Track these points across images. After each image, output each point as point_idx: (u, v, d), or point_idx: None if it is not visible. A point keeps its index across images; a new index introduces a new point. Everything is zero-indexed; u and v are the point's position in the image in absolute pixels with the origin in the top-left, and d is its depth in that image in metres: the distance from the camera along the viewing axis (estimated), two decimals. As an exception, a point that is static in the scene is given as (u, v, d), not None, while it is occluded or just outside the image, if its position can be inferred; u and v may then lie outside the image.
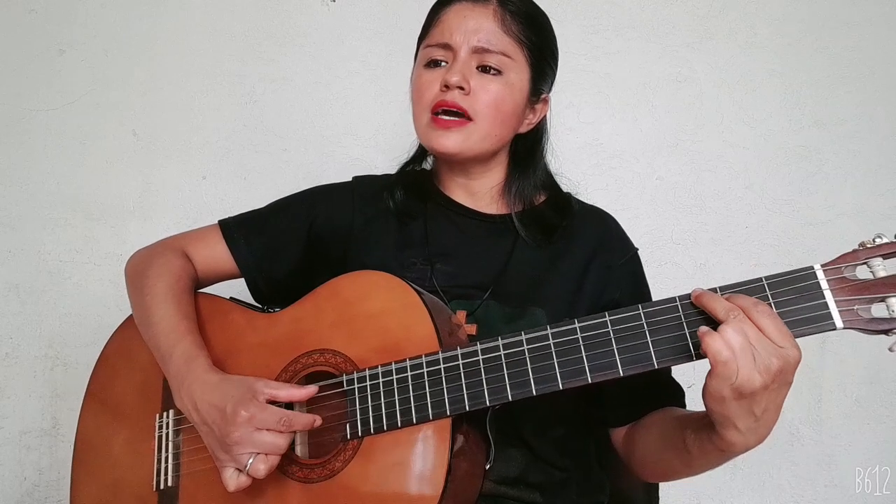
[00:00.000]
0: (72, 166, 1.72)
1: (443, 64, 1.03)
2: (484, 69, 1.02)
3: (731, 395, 0.72)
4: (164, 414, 1.03)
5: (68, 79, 1.74)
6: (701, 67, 1.76)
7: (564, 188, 1.15)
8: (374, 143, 1.76)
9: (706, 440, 0.81)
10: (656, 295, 1.01)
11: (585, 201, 1.16)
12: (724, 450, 0.79)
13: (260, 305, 1.14)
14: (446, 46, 1.02)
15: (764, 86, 1.75)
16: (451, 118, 1.01)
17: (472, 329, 0.94)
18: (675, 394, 1.03)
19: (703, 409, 0.81)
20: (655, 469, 0.99)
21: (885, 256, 0.74)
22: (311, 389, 0.89)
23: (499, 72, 1.02)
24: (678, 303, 0.78)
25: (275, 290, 1.13)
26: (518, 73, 1.03)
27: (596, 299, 1.03)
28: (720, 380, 0.71)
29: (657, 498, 1.19)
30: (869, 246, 0.75)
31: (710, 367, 0.72)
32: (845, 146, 1.72)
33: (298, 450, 0.94)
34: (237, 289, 1.15)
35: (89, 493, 1.06)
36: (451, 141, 1.02)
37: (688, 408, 1.03)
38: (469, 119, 1.01)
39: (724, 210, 1.73)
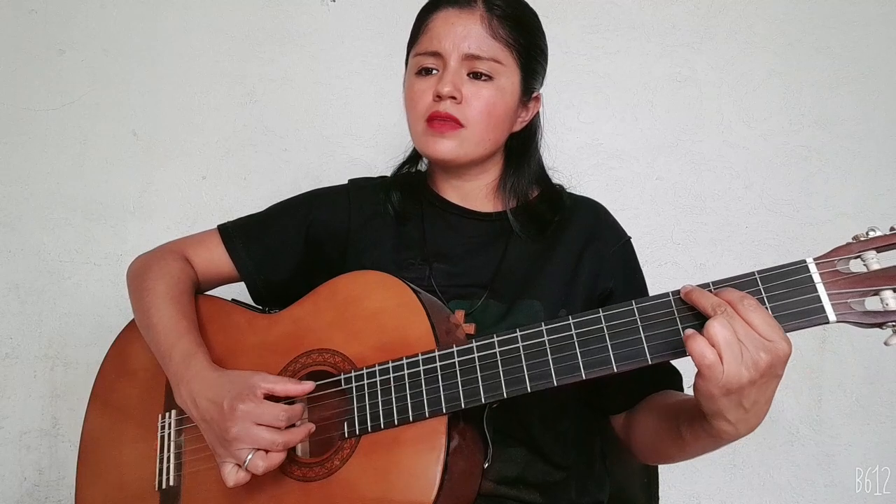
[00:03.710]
0: (72, 166, 1.72)
1: (434, 71, 1.04)
2: (475, 75, 1.02)
3: (720, 392, 0.72)
4: (167, 414, 1.04)
5: (68, 79, 1.74)
6: (701, 67, 1.76)
7: (557, 182, 1.15)
8: (374, 143, 1.76)
9: (699, 428, 0.82)
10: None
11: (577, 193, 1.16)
12: (716, 437, 0.80)
13: (260, 307, 1.14)
14: (436, 54, 1.03)
15: (764, 86, 1.75)
16: (445, 122, 1.02)
17: (470, 328, 0.95)
18: (673, 378, 1.04)
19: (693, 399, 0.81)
20: (653, 454, 1.00)
21: (879, 249, 0.74)
22: (307, 386, 0.89)
23: (490, 77, 1.02)
24: (671, 298, 0.78)
25: (274, 293, 1.13)
26: (509, 76, 1.04)
27: (591, 289, 1.04)
28: (706, 380, 0.72)
29: (657, 498, 1.19)
30: (862, 239, 0.75)
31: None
32: (845, 146, 1.72)
33: (299, 448, 0.95)
34: (237, 291, 1.15)
35: (94, 493, 1.06)
36: (446, 147, 1.03)
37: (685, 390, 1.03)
38: (462, 126, 1.02)
39: (724, 210, 1.73)
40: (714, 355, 0.70)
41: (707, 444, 0.85)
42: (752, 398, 0.73)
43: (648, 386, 1.01)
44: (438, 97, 1.01)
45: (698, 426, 0.82)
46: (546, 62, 1.12)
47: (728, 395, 0.72)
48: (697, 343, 0.70)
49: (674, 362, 1.03)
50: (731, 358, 0.70)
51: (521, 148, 1.13)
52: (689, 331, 0.72)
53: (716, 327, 0.70)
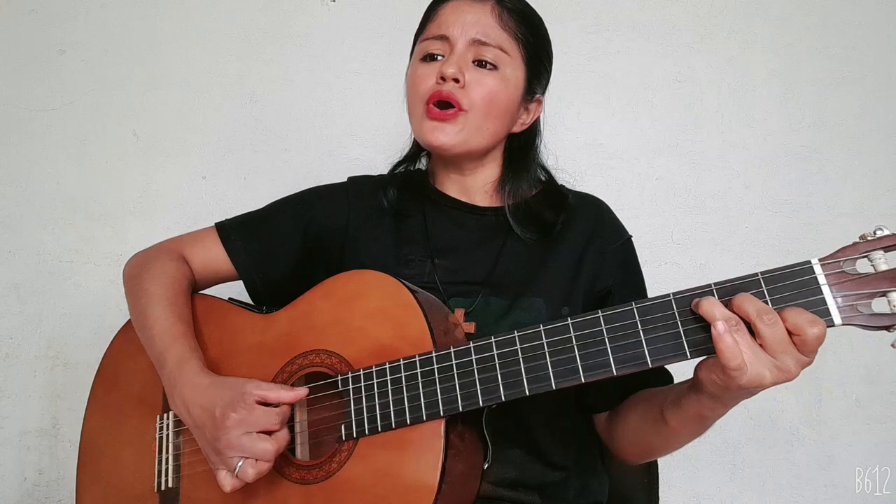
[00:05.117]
0: (72, 166, 1.72)
1: (439, 57, 1.04)
2: (480, 63, 1.02)
3: (735, 388, 0.72)
4: (165, 415, 1.03)
5: (68, 79, 1.74)
6: (701, 67, 1.76)
7: (561, 181, 1.14)
8: (374, 143, 1.76)
9: (685, 408, 0.83)
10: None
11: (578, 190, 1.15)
12: (704, 416, 0.81)
13: (258, 306, 1.14)
14: (443, 38, 1.03)
15: (764, 86, 1.75)
16: (446, 109, 1.01)
17: (470, 327, 0.94)
18: (662, 378, 1.03)
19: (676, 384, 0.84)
20: (635, 448, 0.99)
21: (887, 249, 0.71)
22: (301, 392, 0.89)
23: (495, 66, 1.02)
24: (672, 299, 0.76)
25: (273, 292, 1.13)
26: (514, 69, 1.04)
27: (590, 286, 1.03)
28: (727, 377, 0.71)
29: (657, 498, 1.19)
30: (870, 238, 0.72)
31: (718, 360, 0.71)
32: (845, 146, 1.72)
33: (298, 451, 0.94)
34: (236, 290, 1.15)
35: (94, 495, 1.06)
36: (445, 134, 1.02)
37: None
38: (463, 110, 1.01)
39: (724, 210, 1.73)
40: (741, 359, 0.69)
41: (691, 425, 0.86)
42: (755, 393, 0.74)
43: (636, 385, 1.00)
44: (442, 79, 1.01)
45: (685, 408, 0.83)
46: (550, 67, 1.11)
47: (741, 389, 0.73)
48: (728, 342, 0.69)
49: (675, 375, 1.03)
50: (756, 362, 0.70)
51: (520, 152, 1.12)
52: (721, 326, 0.69)
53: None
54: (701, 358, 0.76)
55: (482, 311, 1.00)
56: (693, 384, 0.81)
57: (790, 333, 0.70)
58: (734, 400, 0.78)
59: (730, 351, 0.69)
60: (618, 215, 1.13)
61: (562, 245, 1.06)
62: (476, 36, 1.01)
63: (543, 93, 1.12)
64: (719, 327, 0.69)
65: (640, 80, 1.76)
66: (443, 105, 1.01)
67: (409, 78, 1.08)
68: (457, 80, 1.00)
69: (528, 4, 1.08)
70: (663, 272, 1.70)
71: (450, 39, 1.02)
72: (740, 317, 0.71)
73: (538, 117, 1.13)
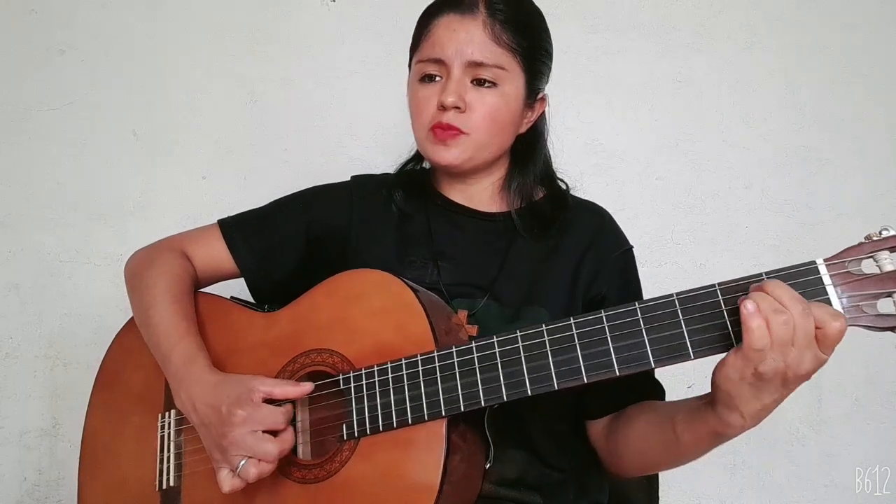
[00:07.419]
0: (72, 166, 1.72)
1: (437, 78, 1.02)
2: (479, 82, 1.01)
3: (750, 378, 0.71)
4: (167, 414, 1.03)
5: (68, 79, 1.74)
6: (701, 67, 1.76)
7: (562, 182, 1.14)
8: (374, 143, 1.76)
9: (700, 423, 0.81)
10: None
11: (582, 197, 1.15)
12: (720, 433, 0.79)
13: (259, 305, 1.14)
14: (438, 62, 1.01)
15: (764, 86, 1.75)
16: (450, 131, 1.01)
17: (473, 330, 0.94)
18: (657, 390, 1.02)
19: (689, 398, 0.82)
20: (637, 461, 0.97)
21: (893, 250, 0.71)
22: (306, 387, 0.89)
23: (493, 84, 1.01)
24: (675, 299, 0.76)
25: (275, 290, 1.12)
26: (513, 81, 1.02)
27: (586, 293, 1.03)
28: (746, 361, 0.70)
29: (657, 498, 1.19)
30: (875, 239, 0.72)
31: (740, 345, 0.70)
32: (845, 146, 1.72)
33: (300, 450, 0.94)
34: (237, 288, 1.15)
35: (95, 493, 1.06)
36: (451, 155, 1.02)
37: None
38: (466, 134, 1.01)
39: (724, 210, 1.73)
40: (768, 341, 0.68)
41: (705, 441, 0.84)
42: (773, 396, 0.73)
43: (634, 392, 0.99)
44: (442, 107, 1.00)
45: (700, 420, 0.81)
46: (551, 61, 1.10)
47: (756, 382, 0.71)
48: (758, 322, 0.68)
49: (659, 378, 1.03)
50: (776, 353, 0.69)
51: (526, 148, 1.12)
52: (751, 305, 0.69)
53: (778, 322, 0.68)
54: (704, 358, 0.75)
55: (485, 316, 1.00)
56: (710, 398, 0.79)
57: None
58: (746, 406, 0.75)
59: (760, 330, 0.68)
60: (618, 216, 1.13)
61: (562, 252, 1.05)
62: (472, 58, 0.99)
63: (546, 87, 1.11)
64: (749, 307, 0.69)
65: (640, 80, 1.76)
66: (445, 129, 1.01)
67: (410, 98, 1.07)
68: (457, 107, 1.00)
69: (520, 7, 1.05)
70: (663, 272, 1.70)
71: (445, 62, 1.00)
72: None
73: (543, 112, 1.12)
